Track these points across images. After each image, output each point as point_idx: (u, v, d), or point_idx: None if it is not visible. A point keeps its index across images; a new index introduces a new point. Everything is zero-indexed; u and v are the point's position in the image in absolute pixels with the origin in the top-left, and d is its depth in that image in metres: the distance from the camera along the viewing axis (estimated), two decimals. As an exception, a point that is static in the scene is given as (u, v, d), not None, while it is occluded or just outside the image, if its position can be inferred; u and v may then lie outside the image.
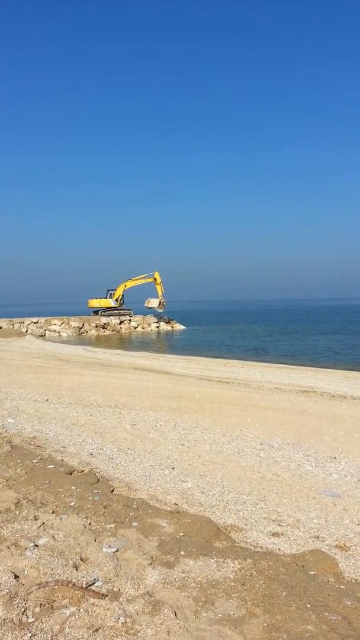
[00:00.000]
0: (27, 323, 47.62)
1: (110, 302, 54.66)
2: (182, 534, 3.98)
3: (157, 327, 53.61)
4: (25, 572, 3.18)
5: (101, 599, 2.93)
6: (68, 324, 48.99)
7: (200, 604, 2.99)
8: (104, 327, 50.45)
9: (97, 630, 2.66)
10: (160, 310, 54.98)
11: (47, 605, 2.83)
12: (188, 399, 11.85)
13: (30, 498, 4.52)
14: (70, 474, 5.35)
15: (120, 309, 54.89)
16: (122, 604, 2.90)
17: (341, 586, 3.32)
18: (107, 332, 49.89)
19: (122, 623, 2.72)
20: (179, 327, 55.14)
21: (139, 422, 8.95)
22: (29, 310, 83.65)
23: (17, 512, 4.17)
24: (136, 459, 6.60)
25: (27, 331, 45.24)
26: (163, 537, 3.88)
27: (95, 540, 3.71)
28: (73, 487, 4.83)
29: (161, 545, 3.72)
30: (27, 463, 5.63)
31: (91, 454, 6.65)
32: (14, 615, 2.71)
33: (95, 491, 4.80)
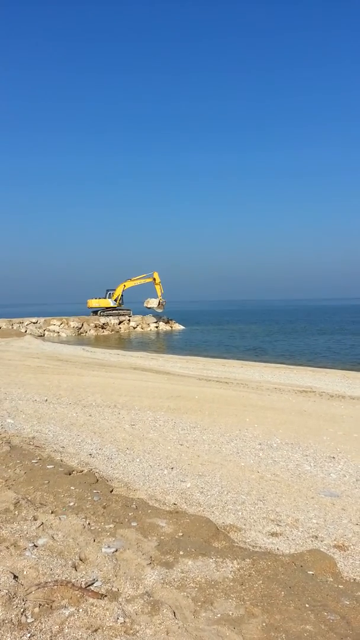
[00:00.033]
0: (26, 323, 47.58)
1: (110, 302, 54.65)
2: (181, 534, 3.98)
3: (156, 327, 53.61)
4: (25, 573, 3.18)
5: (100, 599, 2.94)
6: (67, 324, 48.97)
7: (199, 603, 3.00)
8: (103, 327, 50.43)
9: (96, 630, 2.66)
10: (160, 311, 54.99)
11: (46, 605, 2.84)
12: (187, 399, 11.86)
13: (29, 498, 4.52)
14: (70, 474, 5.35)
15: (120, 309, 54.88)
16: (121, 604, 2.90)
17: (340, 586, 3.33)
18: (106, 332, 49.88)
19: (121, 623, 2.72)
20: (178, 327, 55.15)
21: (138, 422, 8.95)
22: (28, 311, 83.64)
23: (16, 512, 4.18)
24: (135, 459, 6.60)
25: (26, 331, 45.22)
26: (162, 537, 3.89)
27: (94, 541, 3.71)
28: (72, 487, 4.84)
29: (160, 545, 3.73)
30: (26, 463, 5.63)
31: (90, 454, 6.66)
32: (13, 615, 2.72)
33: (95, 491, 4.81)
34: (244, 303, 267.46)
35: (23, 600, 2.86)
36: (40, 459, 5.88)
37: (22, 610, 2.77)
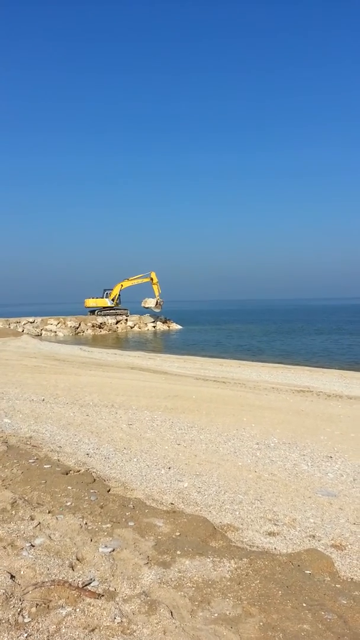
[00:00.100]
0: (23, 323, 47.49)
1: (107, 302, 54.61)
2: (178, 534, 3.98)
3: (154, 326, 53.60)
4: (22, 572, 3.17)
5: (97, 598, 2.93)
6: (64, 323, 48.90)
7: (197, 603, 2.99)
8: (100, 327, 50.39)
9: (93, 630, 2.66)
10: (157, 310, 54.98)
11: (44, 605, 2.83)
12: (184, 399, 11.85)
13: (26, 498, 4.51)
14: (67, 473, 5.34)
15: (117, 309, 54.85)
16: (118, 604, 2.90)
17: (337, 585, 3.34)
18: (103, 332, 49.83)
19: (118, 623, 2.72)
20: (175, 326, 55.15)
21: (135, 422, 8.95)
22: (26, 310, 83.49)
23: (13, 512, 4.17)
24: (132, 458, 6.60)
25: (23, 331, 45.13)
26: (159, 537, 3.89)
27: (91, 540, 3.71)
28: (69, 487, 4.83)
29: (157, 545, 3.73)
30: (23, 463, 5.62)
31: (87, 454, 6.65)
32: (10, 615, 2.71)
33: (92, 491, 4.80)
34: (244, 303, 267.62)
35: (20, 600, 2.86)
36: (37, 459, 5.87)
37: (19, 610, 2.77)
